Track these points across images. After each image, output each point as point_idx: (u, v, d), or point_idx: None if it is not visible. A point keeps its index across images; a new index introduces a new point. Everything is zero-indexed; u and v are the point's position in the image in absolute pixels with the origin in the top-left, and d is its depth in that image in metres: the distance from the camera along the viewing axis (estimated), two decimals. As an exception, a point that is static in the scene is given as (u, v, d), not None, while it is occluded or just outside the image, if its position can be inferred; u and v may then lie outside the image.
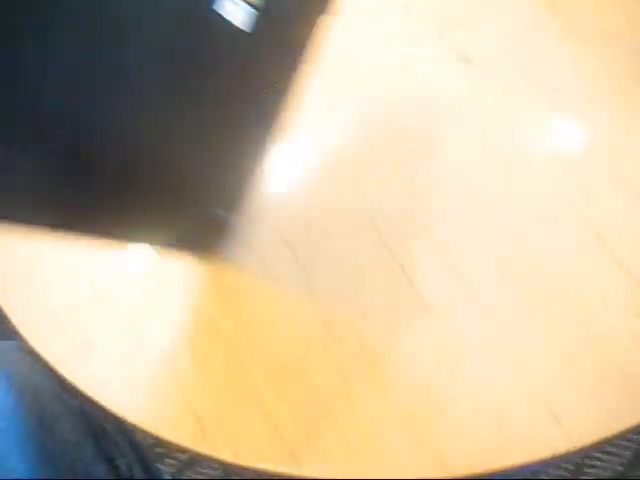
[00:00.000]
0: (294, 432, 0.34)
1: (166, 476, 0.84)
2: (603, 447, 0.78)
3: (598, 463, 0.79)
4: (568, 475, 0.79)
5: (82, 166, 0.27)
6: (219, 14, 0.27)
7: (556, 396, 0.34)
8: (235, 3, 0.27)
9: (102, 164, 0.28)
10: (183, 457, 0.85)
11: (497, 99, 0.43)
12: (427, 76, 0.44)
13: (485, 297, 0.36)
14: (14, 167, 0.25)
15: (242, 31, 0.28)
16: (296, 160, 0.43)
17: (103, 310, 0.40)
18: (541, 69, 0.43)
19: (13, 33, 0.22)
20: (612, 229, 0.38)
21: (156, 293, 0.40)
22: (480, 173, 0.40)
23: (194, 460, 0.84)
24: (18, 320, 0.40)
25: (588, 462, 0.80)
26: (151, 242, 0.37)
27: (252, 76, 0.31)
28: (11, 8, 0.22)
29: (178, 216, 0.34)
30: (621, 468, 0.79)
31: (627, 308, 0.35)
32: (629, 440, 0.79)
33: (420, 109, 0.43)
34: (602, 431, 0.33)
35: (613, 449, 0.79)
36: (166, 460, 0.85)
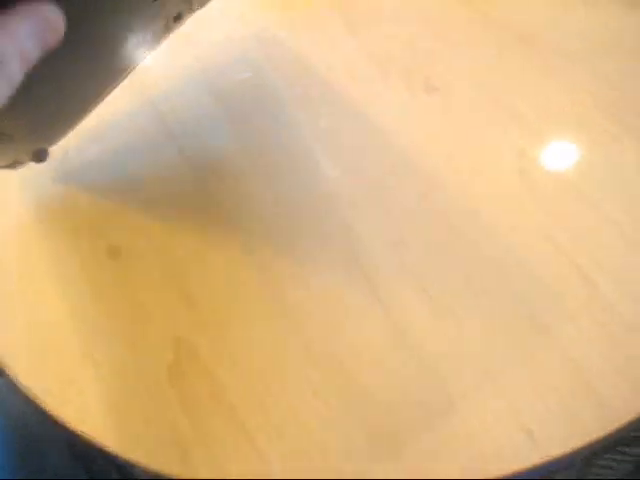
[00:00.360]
0: (276, 456, 0.35)
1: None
2: (599, 460, 0.79)
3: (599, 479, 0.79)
4: (568, 491, 0.79)
5: None
6: None
7: (529, 411, 0.35)
8: None
9: None
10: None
11: (463, 125, 0.44)
12: (393, 106, 0.46)
13: (456, 316, 0.38)
14: None
15: None
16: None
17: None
18: (508, 95, 0.45)
19: None
20: (578, 247, 0.39)
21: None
22: (446, 195, 0.42)
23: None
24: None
25: (589, 477, 0.79)
26: None
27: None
28: None
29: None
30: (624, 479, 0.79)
31: (595, 325, 0.37)
32: (625, 454, 0.79)
33: (384, 136, 0.45)
34: (572, 443, 0.34)
35: (612, 463, 0.79)
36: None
